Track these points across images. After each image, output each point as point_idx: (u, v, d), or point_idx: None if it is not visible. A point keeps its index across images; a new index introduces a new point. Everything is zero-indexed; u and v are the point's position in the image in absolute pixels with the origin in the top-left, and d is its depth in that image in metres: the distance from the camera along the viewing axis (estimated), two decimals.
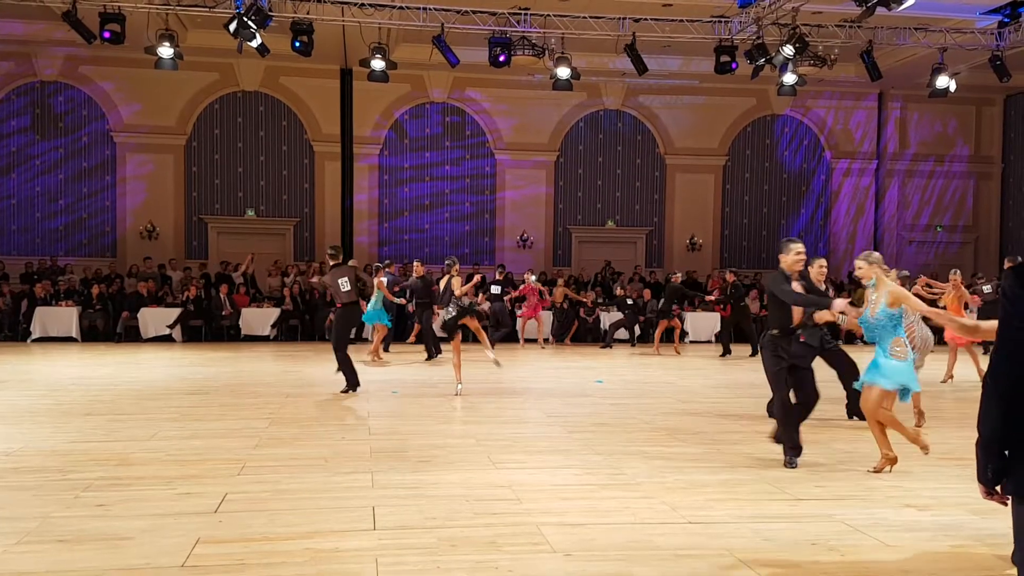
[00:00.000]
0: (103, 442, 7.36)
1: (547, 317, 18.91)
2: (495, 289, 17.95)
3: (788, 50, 15.78)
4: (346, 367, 10.42)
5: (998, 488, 2.71)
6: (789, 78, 17.91)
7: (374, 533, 4.85)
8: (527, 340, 18.38)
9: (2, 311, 17.70)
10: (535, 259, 22.08)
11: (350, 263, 12.21)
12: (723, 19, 16.79)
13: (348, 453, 6.97)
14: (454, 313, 10.30)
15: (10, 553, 4.46)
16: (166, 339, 17.71)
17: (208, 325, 18.42)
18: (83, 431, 7.86)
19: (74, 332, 17.54)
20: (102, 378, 11.82)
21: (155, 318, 17.87)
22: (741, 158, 23.12)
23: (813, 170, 23.65)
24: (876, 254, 6.40)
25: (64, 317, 17.61)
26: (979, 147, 23.87)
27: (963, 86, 19.51)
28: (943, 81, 18.18)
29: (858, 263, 6.35)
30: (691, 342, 17.53)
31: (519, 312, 18.60)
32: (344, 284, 10.47)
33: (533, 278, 18.24)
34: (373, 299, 14.11)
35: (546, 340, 18.44)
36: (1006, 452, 2.63)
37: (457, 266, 10.68)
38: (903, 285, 6.98)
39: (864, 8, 13.60)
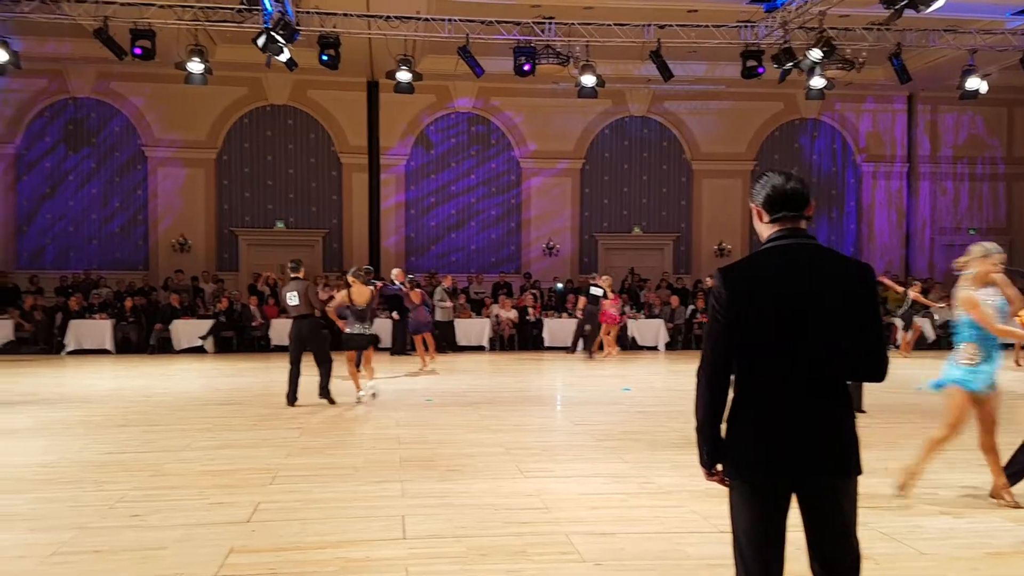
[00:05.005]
0: (137, 453, 7.45)
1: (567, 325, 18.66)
2: (596, 291, 16.57)
3: (815, 54, 15.65)
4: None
5: (719, 468, 2.87)
6: (817, 82, 17.75)
7: (404, 542, 4.87)
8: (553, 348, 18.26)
9: (37, 324, 17.98)
10: (561, 267, 22.07)
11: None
12: (749, 24, 16.70)
13: (378, 462, 7.00)
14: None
15: (46, 564, 4.53)
16: (198, 350, 17.90)
17: (239, 336, 18.60)
18: (118, 442, 7.96)
19: (108, 344, 17.77)
20: (136, 390, 11.97)
21: (187, 330, 18.07)
22: (769, 163, 22.92)
23: (843, 174, 23.43)
24: None
25: (98, 330, 17.85)
26: (1012, 148, 23.51)
27: (994, 87, 19.21)
28: (973, 82, 17.94)
29: None
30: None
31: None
32: (292, 298, 10.41)
33: (607, 282, 16.75)
34: None
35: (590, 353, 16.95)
36: (720, 436, 2.83)
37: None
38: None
39: (892, 10, 13.45)
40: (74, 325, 17.77)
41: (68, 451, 7.50)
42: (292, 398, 10.26)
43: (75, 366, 15.59)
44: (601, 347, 16.91)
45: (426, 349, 14.97)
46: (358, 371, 10.88)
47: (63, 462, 7.05)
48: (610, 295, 16.62)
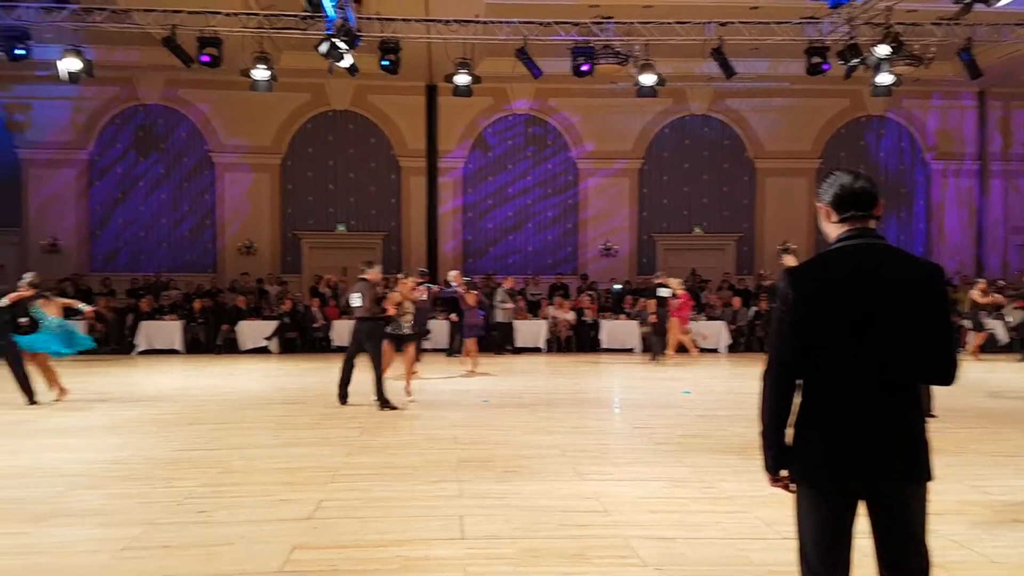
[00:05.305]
0: (205, 450, 7.64)
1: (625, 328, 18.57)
2: (663, 292, 16.04)
3: (882, 50, 15.28)
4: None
5: (783, 474, 2.81)
6: (884, 78, 17.30)
7: (463, 542, 4.90)
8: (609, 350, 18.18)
9: (109, 325, 18.54)
10: (619, 268, 21.93)
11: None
12: (813, 20, 16.38)
13: (436, 462, 7.06)
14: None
15: (118, 558, 4.67)
16: (263, 351, 18.26)
17: (302, 337, 18.94)
18: (187, 440, 8.17)
19: (177, 345, 18.26)
20: (204, 389, 12.27)
21: (252, 331, 18.47)
22: (835, 161, 22.41)
23: (911, 172, 22.83)
24: None
25: (168, 330, 18.37)
26: None
27: None
28: None
29: None
30: None
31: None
32: (355, 299, 10.44)
33: (676, 282, 16.42)
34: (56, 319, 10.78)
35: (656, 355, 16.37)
36: (785, 441, 2.79)
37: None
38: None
39: (961, 5, 13.08)
40: (145, 326, 18.31)
41: (139, 448, 7.72)
42: (343, 398, 10.39)
43: (146, 366, 16.05)
44: (665, 348, 16.67)
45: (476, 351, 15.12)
46: (412, 370, 10.98)
47: (135, 459, 7.26)
48: (679, 293, 16.32)
